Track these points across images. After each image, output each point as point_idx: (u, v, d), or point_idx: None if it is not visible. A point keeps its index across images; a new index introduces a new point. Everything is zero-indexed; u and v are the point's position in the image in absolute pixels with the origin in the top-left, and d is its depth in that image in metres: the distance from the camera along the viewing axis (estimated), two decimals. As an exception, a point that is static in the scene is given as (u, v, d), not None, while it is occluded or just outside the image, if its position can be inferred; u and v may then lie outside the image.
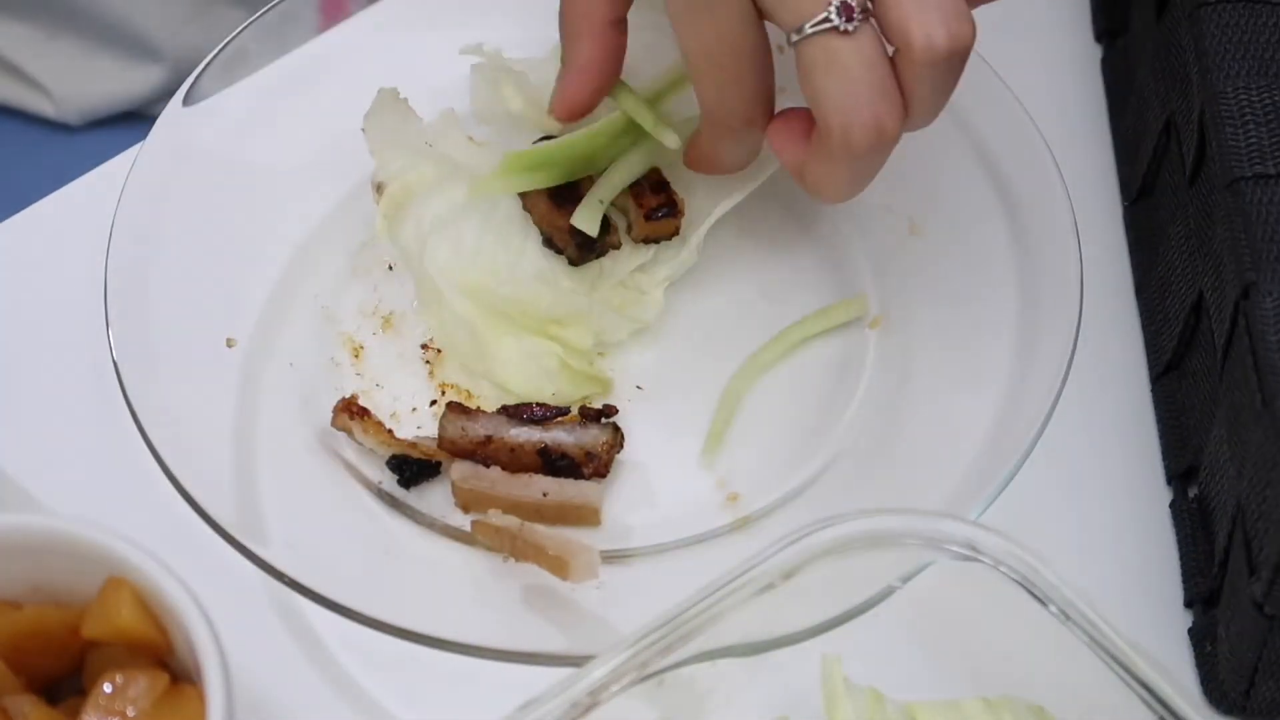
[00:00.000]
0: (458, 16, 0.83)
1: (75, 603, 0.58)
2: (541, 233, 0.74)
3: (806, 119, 0.67)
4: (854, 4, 0.62)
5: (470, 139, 0.79)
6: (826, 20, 0.62)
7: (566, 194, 0.74)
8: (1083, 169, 0.83)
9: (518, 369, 0.73)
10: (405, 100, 0.76)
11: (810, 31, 0.62)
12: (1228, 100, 0.68)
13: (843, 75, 0.63)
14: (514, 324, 0.73)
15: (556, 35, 0.72)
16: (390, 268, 0.78)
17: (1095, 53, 0.90)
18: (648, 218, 0.75)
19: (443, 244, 0.73)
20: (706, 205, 0.75)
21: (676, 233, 0.75)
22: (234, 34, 0.79)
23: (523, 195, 0.75)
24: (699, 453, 0.73)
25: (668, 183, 0.75)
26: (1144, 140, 0.80)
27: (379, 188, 0.76)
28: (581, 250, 0.74)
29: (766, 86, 0.67)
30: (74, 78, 1.03)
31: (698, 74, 0.67)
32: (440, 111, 0.78)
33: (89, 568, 0.57)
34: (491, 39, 0.78)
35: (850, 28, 0.62)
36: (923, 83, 0.64)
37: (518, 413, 0.72)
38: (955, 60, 0.63)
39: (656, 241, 0.76)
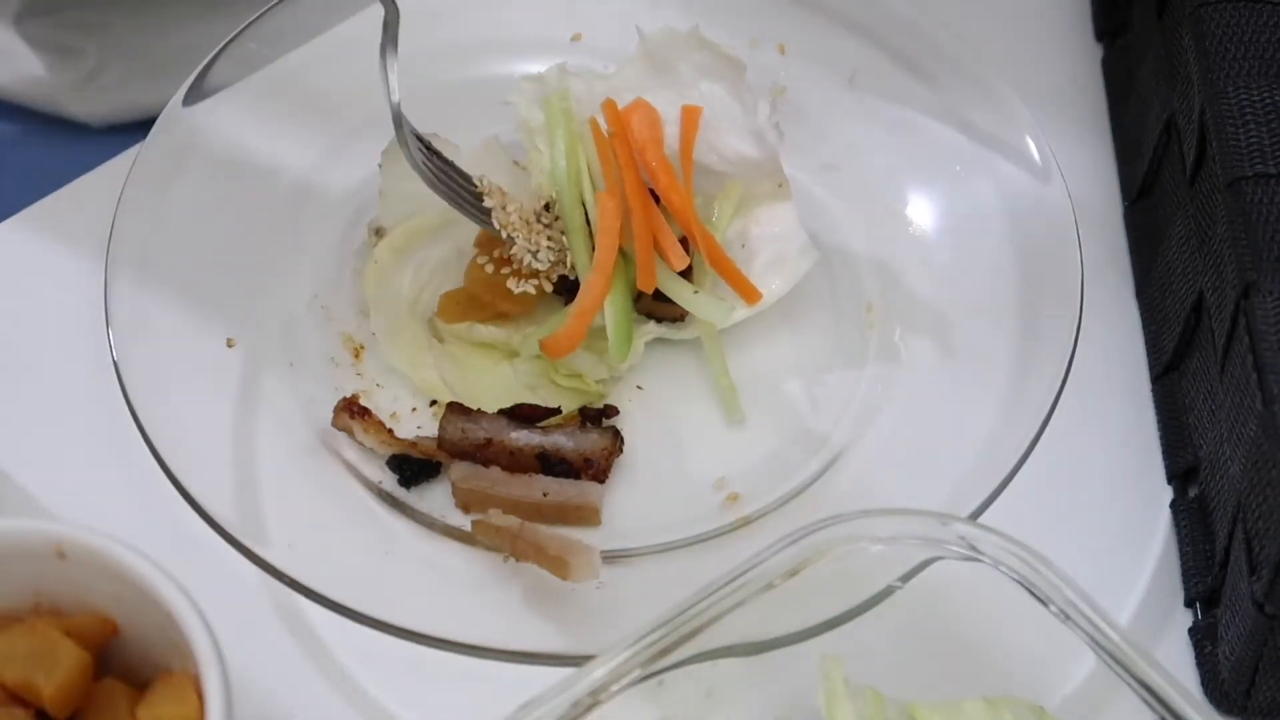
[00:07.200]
0: (461, 14, 0.83)
1: (77, 610, 0.58)
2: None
3: None
4: None
5: (516, 163, 0.79)
6: None
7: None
8: (1083, 169, 0.83)
9: (503, 390, 0.73)
10: (437, 135, 0.76)
11: None
12: (1228, 100, 0.68)
13: None
14: (500, 353, 0.75)
15: (566, 38, 0.72)
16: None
17: (1095, 53, 0.90)
18: (656, 297, 0.74)
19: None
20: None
21: (682, 318, 0.75)
22: (234, 34, 0.79)
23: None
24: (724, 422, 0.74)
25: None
26: (1144, 140, 0.80)
27: (378, 231, 0.76)
28: (568, 292, 0.74)
29: None
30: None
31: None
32: (483, 140, 0.78)
33: (87, 574, 0.57)
34: (498, 36, 0.78)
35: None
36: None
37: (518, 414, 0.72)
38: None
39: (659, 320, 0.75)
